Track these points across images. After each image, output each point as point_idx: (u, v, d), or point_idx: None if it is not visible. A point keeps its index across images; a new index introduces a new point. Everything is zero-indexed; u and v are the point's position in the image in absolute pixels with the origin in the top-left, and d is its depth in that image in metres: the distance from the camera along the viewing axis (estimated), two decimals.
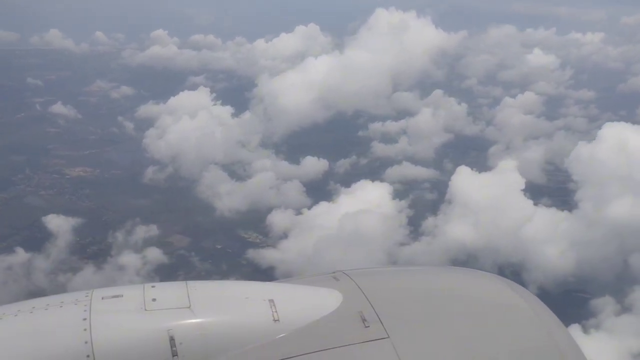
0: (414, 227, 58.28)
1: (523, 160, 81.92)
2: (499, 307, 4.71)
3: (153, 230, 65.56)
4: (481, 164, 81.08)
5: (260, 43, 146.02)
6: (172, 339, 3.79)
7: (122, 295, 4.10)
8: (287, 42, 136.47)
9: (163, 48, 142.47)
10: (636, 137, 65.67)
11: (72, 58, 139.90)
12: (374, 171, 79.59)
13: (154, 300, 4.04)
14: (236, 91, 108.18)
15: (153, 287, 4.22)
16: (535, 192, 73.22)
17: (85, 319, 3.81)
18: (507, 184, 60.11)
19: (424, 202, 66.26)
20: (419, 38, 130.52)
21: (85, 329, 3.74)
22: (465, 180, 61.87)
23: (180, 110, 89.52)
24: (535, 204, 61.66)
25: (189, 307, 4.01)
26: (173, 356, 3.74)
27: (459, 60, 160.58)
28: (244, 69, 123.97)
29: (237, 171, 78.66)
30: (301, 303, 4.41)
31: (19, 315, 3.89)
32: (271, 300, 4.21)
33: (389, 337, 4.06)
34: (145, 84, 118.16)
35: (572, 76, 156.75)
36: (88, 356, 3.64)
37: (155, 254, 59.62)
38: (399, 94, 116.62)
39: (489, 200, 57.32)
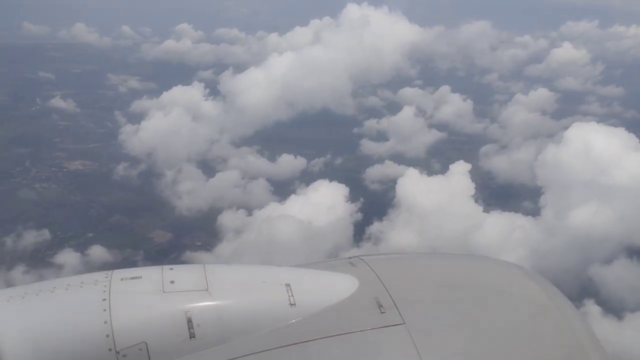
0: (358, 233, 56.54)
1: (514, 161, 79.65)
2: (515, 295, 4.66)
3: (134, 225, 66.34)
4: (471, 164, 78.86)
5: (273, 37, 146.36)
6: (189, 321, 3.86)
7: (141, 277, 4.16)
8: (300, 36, 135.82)
9: (177, 42, 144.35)
10: (602, 139, 62.23)
11: (93, 52, 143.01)
12: (354, 170, 78.28)
13: (172, 282, 4.09)
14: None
15: (171, 269, 4.26)
16: (516, 195, 70.78)
17: (104, 300, 3.87)
18: (457, 188, 57.72)
19: (382, 204, 64.18)
20: (401, 33, 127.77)
21: (104, 309, 3.81)
22: (413, 184, 59.86)
23: (170, 105, 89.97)
24: (491, 209, 59.15)
25: (207, 290, 4.06)
26: (190, 338, 3.82)
27: (476, 55, 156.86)
28: (254, 63, 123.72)
29: (217, 167, 78.64)
30: (317, 288, 4.43)
31: (41, 295, 3.97)
32: (288, 285, 4.24)
33: (404, 323, 4.04)
34: (155, 78, 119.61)
35: (603, 71, 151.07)
36: (107, 335, 3.71)
37: (133, 249, 60.14)
38: (405, 89, 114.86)
39: (437, 205, 55.09)
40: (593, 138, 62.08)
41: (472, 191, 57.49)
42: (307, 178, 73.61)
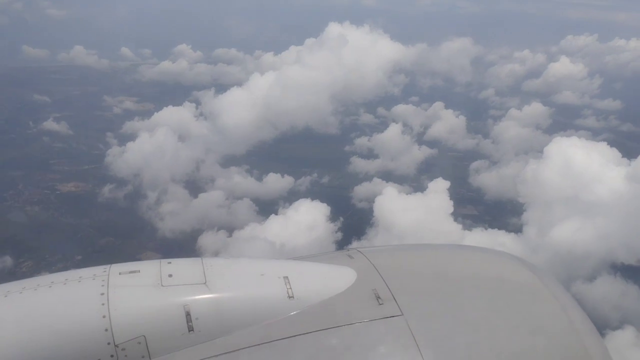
0: None
1: (504, 177, 79.35)
2: (514, 286, 4.65)
3: (124, 246, 66.25)
4: (460, 180, 78.90)
5: (269, 56, 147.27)
6: (188, 314, 3.88)
7: (139, 271, 4.15)
8: (294, 55, 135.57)
9: (173, 63, 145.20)
10: (583, 154, 61.62)
11: (90, 74, 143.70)
12: (343, 188, 78.11)
13: (170, 276, 4.10)
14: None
15: (169, 263, 4.27)
16: (504, 211, 70.36)
17: (103, 294, 3.87)
18: (435, 206, 57.21)
19: (363, 223, 63.43)
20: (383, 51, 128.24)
21: (103, 304, 3.81)
22: (391, 202, 59.41)
23: (161, 126, 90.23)
24: (478, 226, 58.68)
25: (205, 283, 4.07)
26: (189, 331, 3.83)
27: (472, 71, 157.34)
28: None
29: (207, 187, 78.72)
30: (315, 280, 4.42)
31: (39, 290, 3.96)
32: (286, 277, 4.25)
33: (402, 314, 4.05)
34: (151, 99, 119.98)
35: (601, 85, 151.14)
36: (106, 330, 3.72)
37: None
38: (399, 106, 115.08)
39: (414, 223, 54.55)
40: (574, 153, 61.66)
41: (451, 209, 57.09)
42: (294, 197, 73.38)
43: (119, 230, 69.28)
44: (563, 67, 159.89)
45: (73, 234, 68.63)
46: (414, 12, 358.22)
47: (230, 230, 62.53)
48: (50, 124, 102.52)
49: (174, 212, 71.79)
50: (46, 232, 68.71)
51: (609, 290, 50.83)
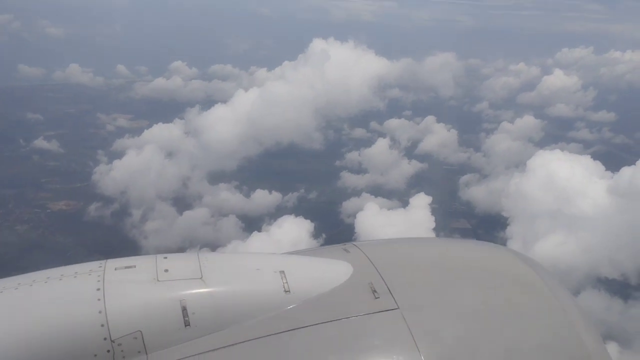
0: None
1: (493, 191, 79.03)
2: (510, 279, 4.62)
3: None
4: (450, 194, 78.56)
5: (262, 72, 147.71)
6: (184, 309, 3.87)
7: (135, 266, 4.16)
8: (286, 70, 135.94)
9: (167, 80, 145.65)
10: (566, 167, 61.33)
11: (85, 92, 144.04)
12: (332, 203, 77.79)
13: (166, 271, 4.08)
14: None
15: (165, 258, 4.26)
16: (492, 225, 69.98)
17: (99, 289, 3.86)
18: (417, 221, 56.87)
19: (347, 240, 62.47)
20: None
21: (99, 299, 3.80)
22: (373, 218, 59.15)
23: (149, 143, 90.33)
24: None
25: (201, 278, 4.05)
26: (186, 326, 3.83)
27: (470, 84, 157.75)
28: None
29: (192, 204, 78.57)
30: (312, 274, 4.40)
31: (34, 285, 3.94)
32: (282, 272, 4.25)
33: (399, 308, 4.05)
34: (145, 116, 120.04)
35: (595, 97, 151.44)
36: (102, 325, 3.71)
37: None
38: (391, 120, 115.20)
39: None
40: (556, 166, 61.35)
41: (433, 224, 56.78)
42: (280, 213, 73.07)
43: (107, 248, 68.74)
44: (557, 79, 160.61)
45: (62, 253, 68.30)
46: (411, 26, 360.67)
47: (213, 247, 62.38)
48: (41, 142, 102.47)
49: (159, 230, 71.93)
50: (36, 251, 68.33)
51: (592, 305, 50.36)
